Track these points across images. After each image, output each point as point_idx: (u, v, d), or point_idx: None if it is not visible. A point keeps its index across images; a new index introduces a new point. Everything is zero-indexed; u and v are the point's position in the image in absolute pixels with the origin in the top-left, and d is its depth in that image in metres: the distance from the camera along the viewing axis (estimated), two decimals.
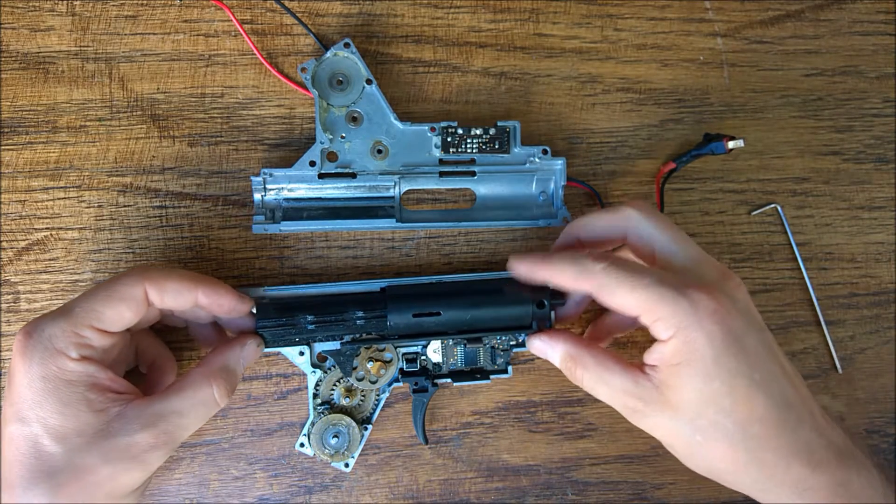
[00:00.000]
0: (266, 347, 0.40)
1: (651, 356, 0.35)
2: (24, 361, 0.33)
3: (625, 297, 0.34)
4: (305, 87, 0.43)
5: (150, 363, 0.41)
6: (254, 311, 0.39)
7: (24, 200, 0.43)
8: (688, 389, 0.33)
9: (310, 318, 0.39)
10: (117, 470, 0.33)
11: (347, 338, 0.41)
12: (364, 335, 0.40)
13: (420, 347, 0.44)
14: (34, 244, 0.43)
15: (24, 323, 0.35)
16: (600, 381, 0.36)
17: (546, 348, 0.39)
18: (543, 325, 0.40)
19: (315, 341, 0.40)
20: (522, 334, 0.44)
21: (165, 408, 0.35)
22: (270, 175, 0.43)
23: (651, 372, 0.35)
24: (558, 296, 0.41)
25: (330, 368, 0.43)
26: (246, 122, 0.44)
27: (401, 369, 0.44)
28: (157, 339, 0.42)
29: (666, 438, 0.36)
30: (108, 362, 0.36)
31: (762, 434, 0.33)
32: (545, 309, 0.40)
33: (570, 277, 0.36)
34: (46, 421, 0.33)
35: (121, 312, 0.35)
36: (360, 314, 0.39)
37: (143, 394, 0.36)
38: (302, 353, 0.43)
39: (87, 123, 0.43)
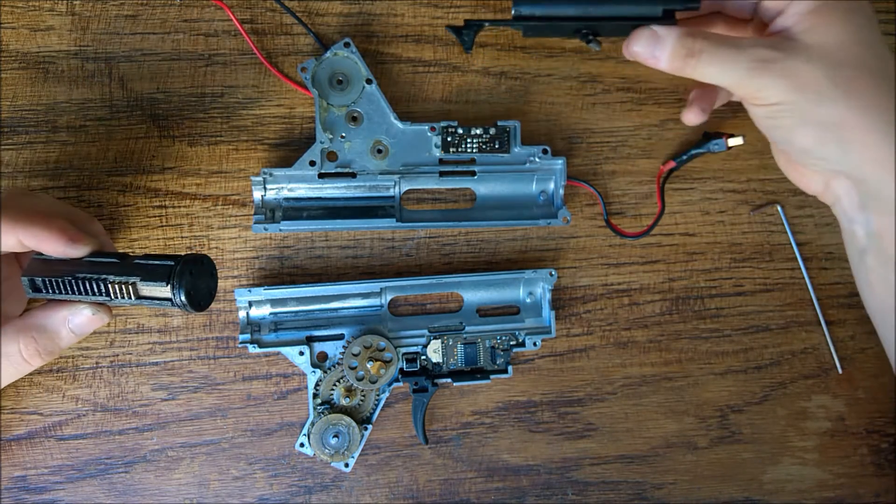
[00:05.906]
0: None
1: (784, 17, 0.36)
2: None
3: None
4: (305, 87, 0.43)
5: None
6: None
7: None
8: (834, 26, 0.35)
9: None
10: None
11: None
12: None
13: (420, 347, 0.44)
14: None
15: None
16: (725, 44, 0.36)
17: (660, 32, 0.37)
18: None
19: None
20: (522, 335, 0.44)
21: None
22: (270, 175, 0.43)
23: (782, 32, 0.36)
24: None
25: (330, 368, 0.43)
26: (246, 121, 0.44)
27: (401, 369, 0.44)
28: None
29: (796, 84, 0.35)
30: None
31: None
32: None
33: None
34: None
35: None
36: None
37: None
38: (302, 353, 0.43)
39: (87, 123, 0.43)
